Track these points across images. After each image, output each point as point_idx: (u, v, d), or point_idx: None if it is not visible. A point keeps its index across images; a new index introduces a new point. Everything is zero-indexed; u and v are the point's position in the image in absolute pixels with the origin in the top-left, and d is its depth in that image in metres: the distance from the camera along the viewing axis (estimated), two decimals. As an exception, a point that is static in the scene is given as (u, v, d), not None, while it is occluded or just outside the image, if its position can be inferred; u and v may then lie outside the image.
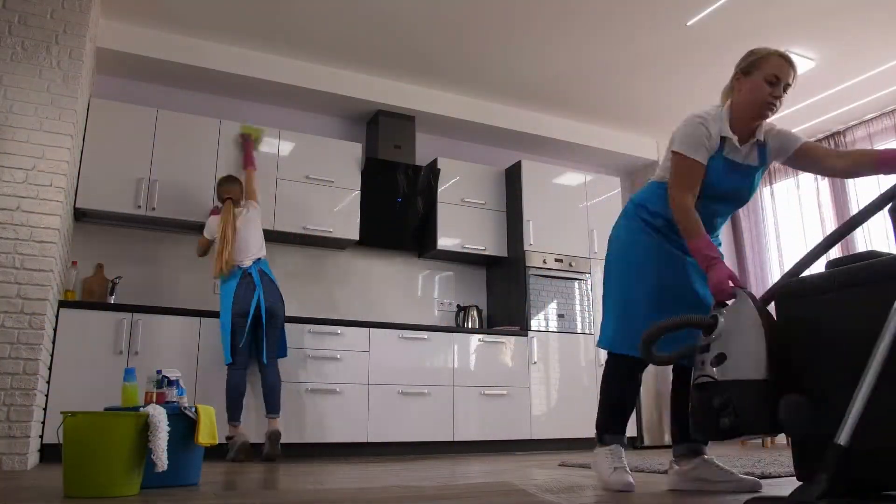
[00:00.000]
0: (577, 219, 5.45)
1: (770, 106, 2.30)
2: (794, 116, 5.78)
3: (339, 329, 4.31)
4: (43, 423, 3.43)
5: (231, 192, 4.07)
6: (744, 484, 2.06)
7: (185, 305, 4.41)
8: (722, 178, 2.21)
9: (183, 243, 4.56)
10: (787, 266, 6.32)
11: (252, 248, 3.98)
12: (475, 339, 4.75)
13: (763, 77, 2.27)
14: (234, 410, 3.75)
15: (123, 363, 3.67)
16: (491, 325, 5.34)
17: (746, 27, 4.45)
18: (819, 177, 6.11)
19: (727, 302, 1.92)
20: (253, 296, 3.84)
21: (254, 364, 3.93)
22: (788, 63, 2.26)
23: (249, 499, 1.95)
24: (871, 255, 1.88)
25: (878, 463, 1.70)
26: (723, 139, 2.24)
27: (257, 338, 3.90)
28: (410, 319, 5.14)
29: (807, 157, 2.36)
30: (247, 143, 4.50)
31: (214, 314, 4.01)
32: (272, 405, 3.80)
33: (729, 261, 6.93)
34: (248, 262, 3.92)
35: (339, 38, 4.57)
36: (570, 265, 5.28)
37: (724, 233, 6.93)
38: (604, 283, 2.41)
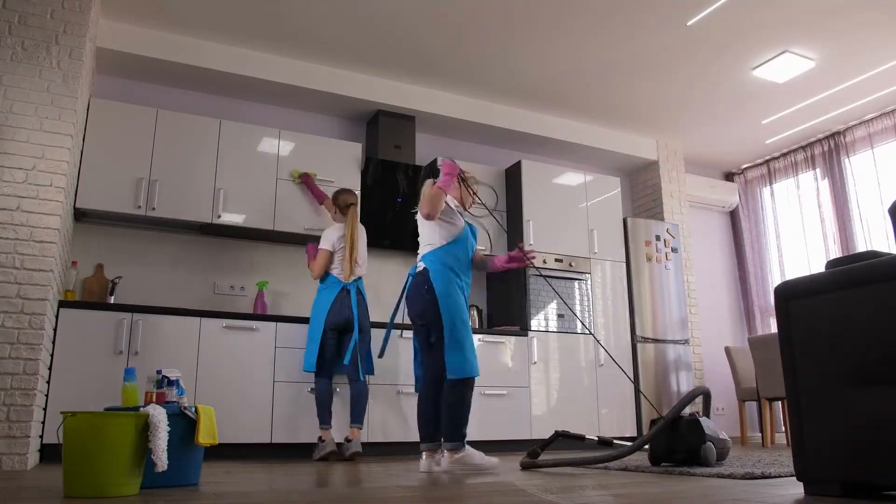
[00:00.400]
0: (577, 219, 5.45)
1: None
2: (794, 116, 5.78)
3: (339, 329, 4.30)
4: (43, 423, 3.43)
5: (354, 200, 4.20)
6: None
7: (185, 305, 4.41)
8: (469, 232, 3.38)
9: (183, 243, 4.56)
10: (787, 266, 6.33)
11: (362, 263, 4.13)
12: (475, 339, 4.74)
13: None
14: (322, 415, 3.89)
15: (123, 363, 3.67)
16: (491, 325, 5.34)
17: (746, 27, 4.45)
18: (819, 177, 6.11)
19: None
20: (349, 311, 3.97)
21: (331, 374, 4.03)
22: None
23: (249, 499, 1.95)
24: (871, 255, 1.89)
25: (878, 463, 1.70)
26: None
27: (342, 351, 4.02)
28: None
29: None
30: (308, 182, 4.61)
31: (215, 314, 4.01)
32: (356, 415, 3.91)
33: (729, 260, 6.95)
34: (352, 278, 4.05)
35: (339, 38, 4.57)
36: (570, 265, 5.28)
37: (724, 233, 6.94)
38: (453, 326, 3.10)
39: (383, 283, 5.15)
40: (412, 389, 4.42)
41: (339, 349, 4.03)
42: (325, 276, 4.08)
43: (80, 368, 3.61)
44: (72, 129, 3.49)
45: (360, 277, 4.10)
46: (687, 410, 3.16)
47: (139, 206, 4.17)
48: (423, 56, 4.81)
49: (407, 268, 5.26)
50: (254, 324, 4.09)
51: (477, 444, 4.56)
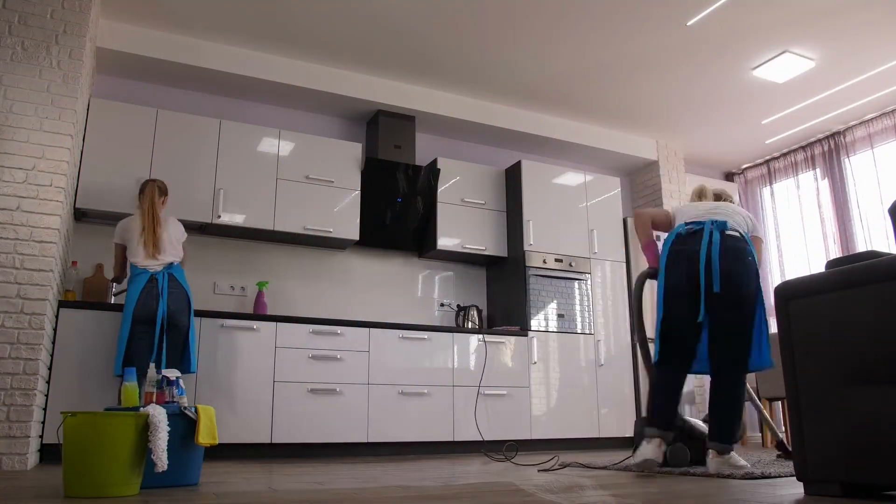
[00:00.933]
0: (577, 219, 5.45)
1: None
2: (794, 116, 5.78)
3: (339, 329, 4.31)
4: (43, 423, 3.43)
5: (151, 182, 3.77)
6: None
7: (185, 305, 4.41)
8: None
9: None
10: (787, 266, 6.33)
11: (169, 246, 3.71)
12: (475, 339, 4.75)
13: None
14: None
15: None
16: (491, 325, 5.34)
17: (746, 27, 4.45)
18: (819, 177, 6.11)
19: None
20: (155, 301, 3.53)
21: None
22: None
23: (249, 499, 1.95)
24: (871, 255, 1.89)
25: (878, 463, 1.70)
26: None
27: None
28: (410, 319, 5.15)
29: None
30: None
31: (214, 314, 4.01)
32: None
33: (729, 261, 6.92)
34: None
35: (339, 38, 4.57)
36: (570, 265, 5.28)
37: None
38: (754, 312, 2.89)
39: (384, 284, 5.15)
40: (412, 389, 4.42)
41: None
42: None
43: (80, 368, 3.60)
44: (72, 129, 3.49)
45: (172, 262, 3.67)
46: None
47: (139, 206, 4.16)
48: (423, 56, 4.82)
49: (407, 267, 5.27)
50: (254, 324, 4.09)
51: (477, 444, 4.58)
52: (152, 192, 3.71)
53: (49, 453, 3.45)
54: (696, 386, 5.74)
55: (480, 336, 4.78)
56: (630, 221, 5.67)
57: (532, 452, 4.55)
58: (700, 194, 3.33)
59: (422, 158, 5.43)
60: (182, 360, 3.63)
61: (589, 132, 5.94)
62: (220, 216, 4.38)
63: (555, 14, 4.30)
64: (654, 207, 3.12)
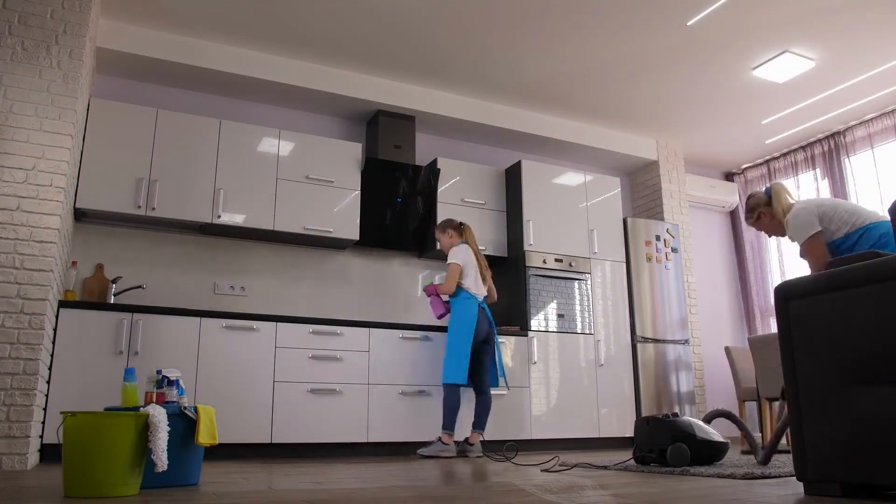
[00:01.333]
0: (577, 219, 5.45)
1: None
2: (794, 116, 5.78)
3: (339, 329, 4.31)
4: (43, 423, 3.43)
5: (458, 221, 4.55)
6: None
7: (185, 305, 4.41)
8: None
9: (183, 243, 4.56)
10: (787, 266, 6.33)
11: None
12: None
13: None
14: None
15: (123, 363, 3.67)
16: (491, 325, 5.34)
17: (746, 27, 4.45)
18: (819, 177, 6.11)
19: None
20: (486, 325, 4.28)
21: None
22: None
23: (249, 499, 1.95)
24: (871, 255, 1.89)
25: (878, 463, 1.70)
26: None
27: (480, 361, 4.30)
28: (410, 319, 5.15)
29: None
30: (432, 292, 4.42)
31: (215, 314, 4.01)
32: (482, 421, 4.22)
33: (729, 260, 6.95)
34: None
35: (339, 38, 4.57)
36: (570, 265, 5.28)
37: (724, 233, 6.93)
38: None
39: (384, 284, 5.15)
40: (412, 389, 4.43)
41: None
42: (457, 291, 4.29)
43: (80, 368, 3.61)
44: (72, 129, 3.49)
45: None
46: (686, 411, 3.15)
47: (139, 206, 4.17)
48: (424, 56, 4.82)
49: (407, 267, 5.27)
50: (254, 324, 4.09)
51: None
52: None
53: (49, 453, 3.45)
54: (697, 386, 5.75)
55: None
56: (630, 222, 5.66)
57: (532, 452, 4.55)
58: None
59: (422, 158, 5.43)
60: None
61: (589, 132, 5.94)
62: (220, 216, 4.38)
63: (555, 14, 4.30)
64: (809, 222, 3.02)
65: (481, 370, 4.29)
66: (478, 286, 4.31)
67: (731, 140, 6.29)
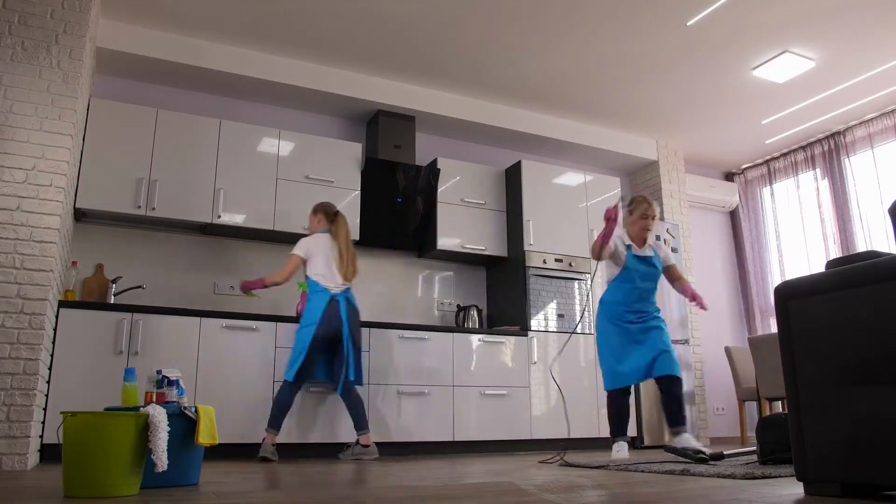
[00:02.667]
0: (577, 219, 5.45)
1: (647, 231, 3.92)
2: (794, 116, 5.78)
3: (339, 329, 4.30)
4: (43, 423, 3.43)
5: (334, 208, 4.18)
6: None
7: (185, 305, 4.41)
8: (636, 265, 3.91)
9: (183, 243, 4.56)
10: (787, 266, 6.34)
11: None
12: (475, 339, 4.75)
13: (640, 214, 3.93)
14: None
15: (123, 363, 3.67)
16: (491, 325, 5.34)
17: (746, 27, 4.45)
18: (819, 176, 6.11)
19: None
20: (338, 321, 3.87)
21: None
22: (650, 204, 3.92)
23: (249, 499, 1.95)
24: (871, 255, 1.89)
25: (878, 463, 1.70)
26: (628, 245, 3.93)
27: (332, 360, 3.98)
28: (410, 319, 5.15)
29: (667, 273, 4.00)
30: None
31: (215, 314, 4.01)
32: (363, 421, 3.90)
33: (729, 261, 6.95)
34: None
35: (338, 37, 4.57)
36: (570, 265, 5.28)
37: (724, 233, 6.94)
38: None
39: (384, 284, 5.15)
40: (412, 389, 4.43)
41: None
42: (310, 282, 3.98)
43: (80, 368, 3.61)
44: (72, 129, 3.49)
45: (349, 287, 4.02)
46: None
47: (139, 206, 4.17)
48: (424, 56, 4.82)
49: (407, 268, 5.27)
50: (254, 324, 4.09)
51: (477, 444, 4.58)
52: None
53: (49, 453, 3.45)
54: (697, 386, 5.74)
55: (480, 336, 4.78)
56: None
57: (532, 452, 4.55)
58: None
59: (422, 158, 5.43)
60: None
61: (589, 132, 5.94)
62: (220, 216, 4.38)
63: (555, 14, 4.30)
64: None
65: (332, 370, 3.98)
66: (332, 278, 3.93)
67: (731, 140, 6.29)
